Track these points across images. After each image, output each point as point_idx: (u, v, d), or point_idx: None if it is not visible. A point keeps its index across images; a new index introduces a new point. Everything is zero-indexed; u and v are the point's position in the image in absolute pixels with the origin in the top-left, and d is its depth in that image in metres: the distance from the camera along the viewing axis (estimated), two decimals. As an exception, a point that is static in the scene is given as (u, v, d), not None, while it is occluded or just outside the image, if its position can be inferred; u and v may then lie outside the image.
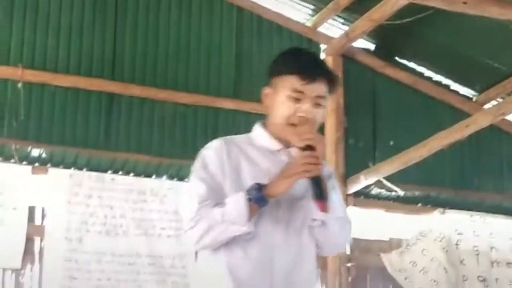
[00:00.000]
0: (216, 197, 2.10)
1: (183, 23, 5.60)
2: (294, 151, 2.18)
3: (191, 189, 2.14)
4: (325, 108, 2.23)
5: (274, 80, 2.20)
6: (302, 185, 2.12)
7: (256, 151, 2.22)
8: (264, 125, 2.27)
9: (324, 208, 2.08)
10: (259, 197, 2.03)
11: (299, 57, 2.25)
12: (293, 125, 2.15)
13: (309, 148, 2.06)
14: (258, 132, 2.26)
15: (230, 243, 2.09)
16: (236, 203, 2.03)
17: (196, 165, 2.18)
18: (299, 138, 2.10)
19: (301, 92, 2.13)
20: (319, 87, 2.12)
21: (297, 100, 2.14)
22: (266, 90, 2.23)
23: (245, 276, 2.07)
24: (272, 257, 2.10)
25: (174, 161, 5.18)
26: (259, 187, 2.06)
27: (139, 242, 5.13)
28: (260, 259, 2.10)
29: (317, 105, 2.14)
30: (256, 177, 2.12)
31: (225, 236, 2.06)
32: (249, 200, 2.03)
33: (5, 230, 4.78)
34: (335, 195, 2.16)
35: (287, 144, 2.21)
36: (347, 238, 2.29)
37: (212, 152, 2.17)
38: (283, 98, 2.15)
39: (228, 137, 2.27)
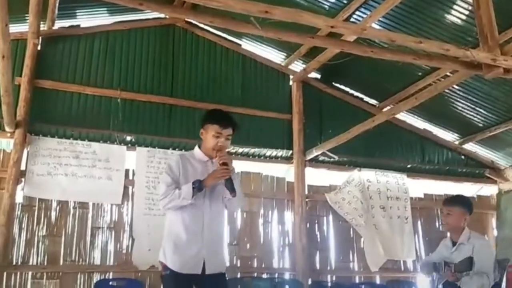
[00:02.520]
0: (175, 185, 2.77)
1: (211, 64, 6.68)
2: (215, 161, 2.88)
3: (164, 179, 2.82)
4: (230, 140, 2.91)
5: (206, 126, 2.91)
6: (220, 182, 2.83)
7: (195, 161, 2.88)
8: (199, 147, 2.99)
9: (233, 195, 2.84)
10: (199, 186, 2.74)
11: (220, 115, 2.97)
12: (214, 149, 2.84)
13: (224, 164, 2.80)
14: (197, 150, 2.96)
15: (183, 207, 2.74)
16: (187, 188, 2.72)
17: (166, 169, 2.88)
18: (219, 158, 2.80)
19: (220, 133, 2.88)
20: (228, 131, 2.88)
21: (218, 137, 2.86)
22: (202, 131, 2.95)
23: (190, 223, 2.76)
24: (203, 214, 2.80)
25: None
26: (200, 181, 2.75)
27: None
28: (198, 215, 2.78)
29: (227, 139, 2.87)
30: (195, 175, 2.80)
31: (180, 204, 2.76)
32: (193, 187, 2.72)
33: (112, 182, 5.84)
34: (237, 184, 2.86)
35: (211, 158, 2.93)
36: (240, 205, 3.08)
37: (174, 162, 2.84)
38: (210, 136, 2.88)
39: (181, 153, 2.94)
